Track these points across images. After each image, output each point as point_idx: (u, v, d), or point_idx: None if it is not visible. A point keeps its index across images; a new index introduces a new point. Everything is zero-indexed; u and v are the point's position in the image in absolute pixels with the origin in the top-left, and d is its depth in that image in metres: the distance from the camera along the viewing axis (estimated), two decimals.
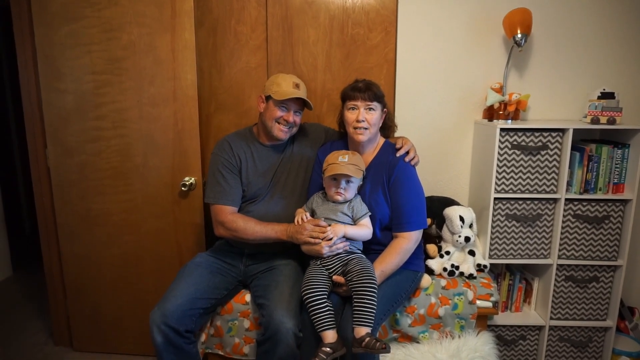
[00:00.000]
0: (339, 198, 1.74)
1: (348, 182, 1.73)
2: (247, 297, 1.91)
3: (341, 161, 1.72)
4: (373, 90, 1.77)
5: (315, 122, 2.27)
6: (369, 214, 1.77)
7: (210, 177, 1.90)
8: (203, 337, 1.92)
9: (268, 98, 1.87)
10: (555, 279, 2.17)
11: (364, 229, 1.75)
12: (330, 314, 1.60)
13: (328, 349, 1.53)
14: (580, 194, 2.10)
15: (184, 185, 2.12)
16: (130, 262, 2.28)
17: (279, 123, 1.85)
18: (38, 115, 2.23)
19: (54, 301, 2.42)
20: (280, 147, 1.96)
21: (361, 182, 1.80)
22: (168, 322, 1.66)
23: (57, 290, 2.40)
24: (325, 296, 1.64)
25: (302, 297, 1.64)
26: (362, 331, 1.53)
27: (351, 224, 1.75)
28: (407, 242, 1.76)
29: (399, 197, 1.78)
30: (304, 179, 1.96)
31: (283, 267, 1.85)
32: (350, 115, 1.78)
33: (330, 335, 1.57)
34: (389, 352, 1.51)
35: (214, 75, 2.32)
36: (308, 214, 1.77)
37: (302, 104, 1.89)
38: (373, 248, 1.83)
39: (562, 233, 2.13)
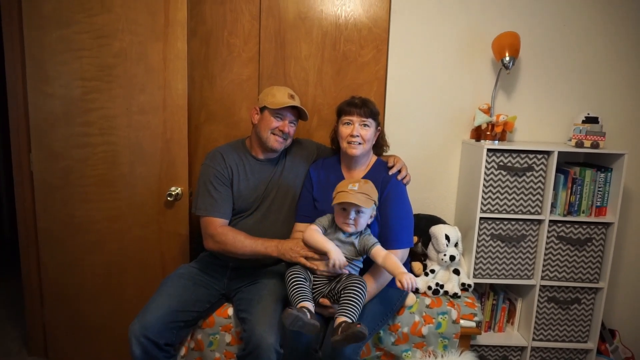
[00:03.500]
0: (349, 229, 1.65)
1: (358, 212, 1.63)
2: (230, 311, 1.89)
3: (350, 189, 1.61)
4: (369, 107, 1.79)
5: (306, 136, 2.28)
6: (378, 243, 1.67)
7: (201, 188, 1.88)
8: (183, 351, 1.89)
9: (263, 109, 1.87)
10: (538, 300, 2.19)
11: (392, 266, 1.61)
12: (309, 291, 1.61)
13: (305, 310, 1.49)
14: (564, 216, 2.13)
15: (170, 195, 2.10)
16: (113, 271, 2.23)
17: (274, 134, 1.85)
18: (24, 119, 2.20)
19: (31, 308, 2.36)
20: (273, 161, 1.95)
21: (374, 212, 1.71)
22: (148, 334, 1.63)
23: (34, 297, 2.34)
24: (308, 282, 1.63)
25: (286, 274, 1.63)
26: (341, 319, 1.50)
27: (356, 259, 1.69)
28: None
29: (388, 214, 1.78)
30: (295, 195, 1.95)
31: (267, 282, 1.83)
32: (344, 130, 1.79)
33: (308, 305, 1.54)
34: (366, 334, 1.45)
35: (205, 86, 2.32)
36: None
37: (296, 115, 1.91)
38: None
39: (545, 254, 2.15)
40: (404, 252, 1.79)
